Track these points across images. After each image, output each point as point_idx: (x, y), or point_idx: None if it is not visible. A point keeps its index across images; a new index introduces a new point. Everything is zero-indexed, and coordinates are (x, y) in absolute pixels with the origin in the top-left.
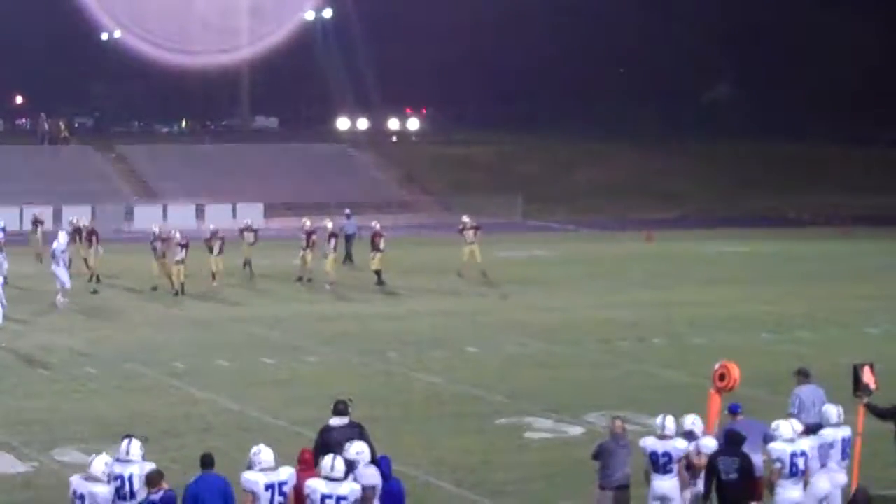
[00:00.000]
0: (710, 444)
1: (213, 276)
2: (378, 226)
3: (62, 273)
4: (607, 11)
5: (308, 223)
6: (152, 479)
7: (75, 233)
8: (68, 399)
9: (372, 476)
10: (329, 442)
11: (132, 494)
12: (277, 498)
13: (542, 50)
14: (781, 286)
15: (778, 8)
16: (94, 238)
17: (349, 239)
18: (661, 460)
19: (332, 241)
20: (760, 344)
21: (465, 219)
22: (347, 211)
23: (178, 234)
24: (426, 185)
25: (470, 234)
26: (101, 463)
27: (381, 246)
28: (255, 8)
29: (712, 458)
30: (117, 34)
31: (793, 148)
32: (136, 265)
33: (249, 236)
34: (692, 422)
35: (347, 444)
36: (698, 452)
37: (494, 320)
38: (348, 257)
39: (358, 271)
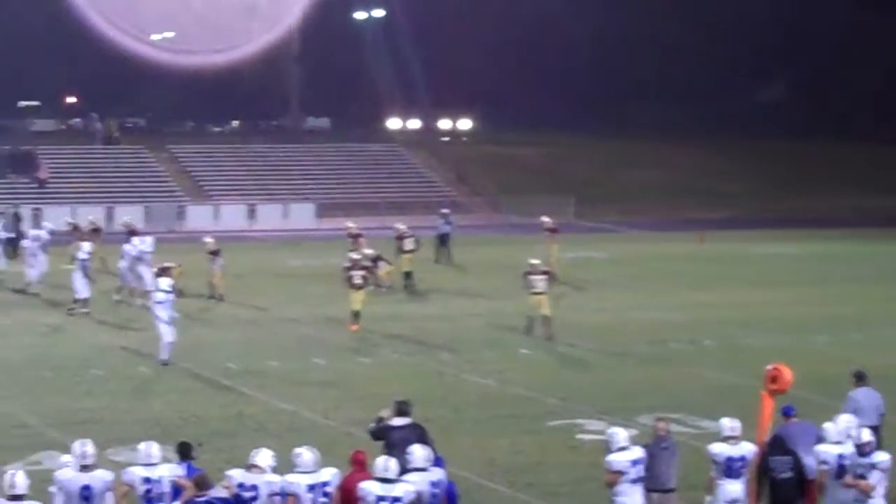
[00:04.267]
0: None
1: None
2: (403, 227)
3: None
4: (657, 11)
5: (352, 225)
6: (200, 483)
7: (94, 233)
8: (122, 399)
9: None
10: (391, 441)
11: (164, 496)
12: (321, 499)
13: (594, 50)
14: (833, 287)
15: (831, 7)
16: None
17: (444, 239)
18: (737, 464)
19: (402, 242)
20: (812, 346)
21: (545, 219)
22: (445, 210)
23: (210, 240)
24: (477, 185)
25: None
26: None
27: (407, 247)
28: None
29: (764, 458)
30: (169, 35)
31: (845, 148)
32: (188, 266)
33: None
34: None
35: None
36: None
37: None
38: (442, 257)
39: (451, 270)
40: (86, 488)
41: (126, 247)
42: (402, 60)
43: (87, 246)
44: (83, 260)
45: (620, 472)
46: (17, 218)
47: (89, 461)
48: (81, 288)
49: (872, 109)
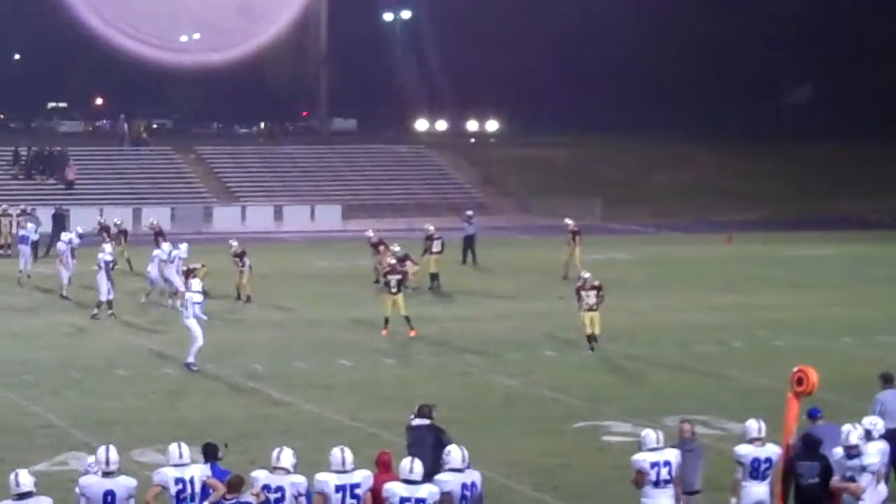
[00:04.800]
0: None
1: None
2: (432, 228)
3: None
4: (685, 13)
5: (372, 234)
6: (233, 485)
7: (120, 235)
8: (146, 400)
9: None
10: (409, 441)
11: (195, 496)
12: (349, 500)
13: (621, 52)
14: (863, 290)
15: (861, 7)
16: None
17: (470, 241)
18: (763, 466)
19: (431, 243)
20: (842, 348)
21: (568, 221)
22: (469, 213)
23: (234, 243)
24: (504, 187)
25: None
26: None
27: (435, 248)
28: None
29: (791, 462)
30: (196, 36)
31: (874, 149)
32: (214, 267)
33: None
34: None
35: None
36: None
37: (572, 323)
38: (468, 258)
39: (477, 271)
40: (109, 493)
41: (157, 252)
42: (429, 62)
43: (108, 247)
44: (107, 262)
45: (641, 472)
46: (60, 218)
47: (113, 467)
48: (105, 290)
49: None
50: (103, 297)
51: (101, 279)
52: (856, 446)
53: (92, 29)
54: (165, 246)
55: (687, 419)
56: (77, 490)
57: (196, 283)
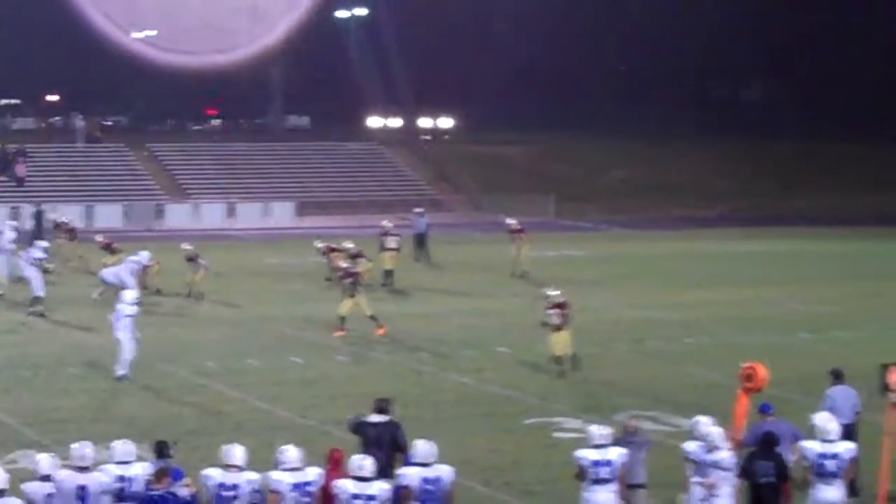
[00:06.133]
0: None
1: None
2: (389, 224)
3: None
4: (641, 11)
5: (320, 244)
6: (158, 475)
7: (70, 232)
8: (98, 398)
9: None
10: (366, 438)
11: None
12: (303, 498)
13: (576, 50)
14: (818, 286)
15: (814, 7)
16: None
17: (421, 238)
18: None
19: (387, 239)
20: (797, 344)
21: (509, 221)
22: (419, 209)
23: (188, 247)
24: (458, 184)
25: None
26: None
27: (391, 245)
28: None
29: (747, 461)
30: (151, 34)
31: (830, 147)
32: (167, 265)
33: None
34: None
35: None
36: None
37: (525, 320)
38: (421, 255)
39: (430, 269)
40: (81, 488)
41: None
42: (383, 59)
43: (42, 244)
44: (37, 259)
45: (582, 468)
46: (38, 216)
47: (87, 462)
48: (38, 287)
49: (860, 109)
50: (38, 294)
51: (34, 275)
52: (712, 442)
53: (48, 26)
54: (144, 252)
55: (636, 416)
56: (50, 485)
57: (129, 295)
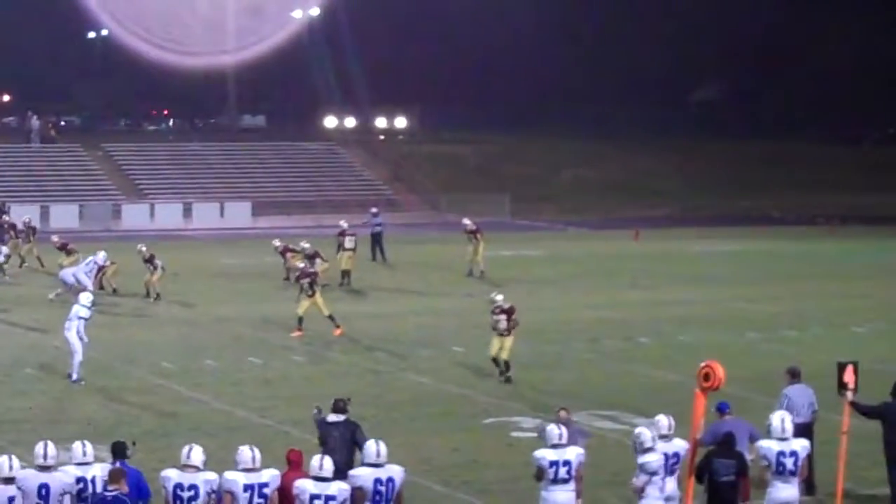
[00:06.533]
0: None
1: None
2: (346, 224)
3: None
4: (595, 11)
5: (278, 243)
6: (113, 476)
7: (29, 232)
8: (55, 398)
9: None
10: (324, 437)
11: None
12: (257, 500)
13: (530, 50)
14: (768, 285)
15: (766, 8)
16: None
17: (377, 237)
18: (671, 461)
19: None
20: (747, 343)
21: (466, 221)
22: (374, 209)
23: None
24: (413, 183)
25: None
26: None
27: (348, 245)
28: (245, 7)
29: (706, 459)
30: (105, 32)
31: (778, 147)
32: (124, 265)
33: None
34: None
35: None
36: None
37: (481, 320)
38: (377, 255)
39: (386, 268)
40: (44, 487)
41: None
42: (338, 59)
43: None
44: None
45: (541, 468)
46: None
47: (50, 462)
48: None
49: (804, 109)
50: None
51: None
52: (642, 444)
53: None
54: (101, 253)
55: (565, 407)
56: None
57: (85, 297)
